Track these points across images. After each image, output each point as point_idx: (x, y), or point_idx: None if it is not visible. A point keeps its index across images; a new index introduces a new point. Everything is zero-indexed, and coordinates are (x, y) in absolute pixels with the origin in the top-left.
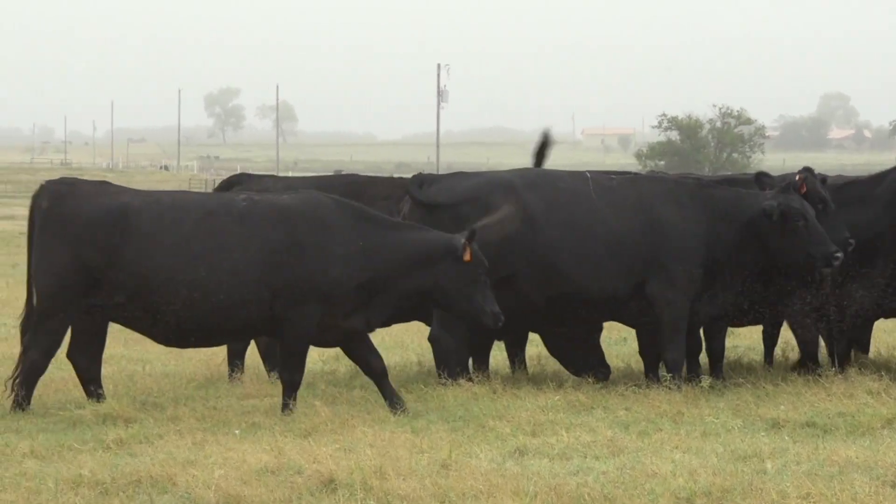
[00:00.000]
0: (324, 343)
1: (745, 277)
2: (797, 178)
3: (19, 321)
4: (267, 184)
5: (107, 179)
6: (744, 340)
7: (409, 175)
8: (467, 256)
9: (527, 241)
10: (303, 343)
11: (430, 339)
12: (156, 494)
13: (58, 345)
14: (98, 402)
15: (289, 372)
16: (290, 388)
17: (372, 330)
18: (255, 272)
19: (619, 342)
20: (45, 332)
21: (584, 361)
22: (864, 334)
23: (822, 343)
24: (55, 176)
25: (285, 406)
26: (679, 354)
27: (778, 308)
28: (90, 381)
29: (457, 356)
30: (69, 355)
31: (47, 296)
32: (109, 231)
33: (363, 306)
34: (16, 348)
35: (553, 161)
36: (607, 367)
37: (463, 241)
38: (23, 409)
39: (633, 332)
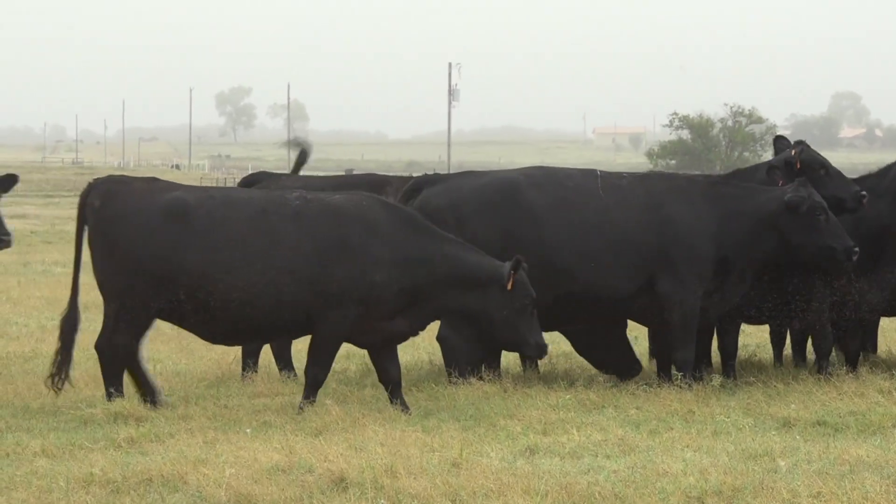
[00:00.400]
0: (366, 344)
1: (759, 275)
2: (792, 152)
3: (60, 317)
4: (286, 183)
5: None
6: (754, 339)
7: (421, 174)
8: (510, 285)
9: (532, 240)
10: (335, 343)
11: (438, 338)
12: (167, 493)
13: (136, 343)
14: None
15: (315, 369)
16: (313, 385)
17: (415, 334)
18: (306, 270)
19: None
20: (120, 331)
21: (616, 361)
22: (871, 332)
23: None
24: (67, 175)
25: (304, 403)
26: (689, 353)
27: (790, 306)
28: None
29: (466, 355)
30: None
31: (116, 295)
32: (166, 226)
33: (407, 310)
34: (27, 346)
35: (565, 160)
36: (639, 364)
37: (509, 269)
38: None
39: (643, 330)
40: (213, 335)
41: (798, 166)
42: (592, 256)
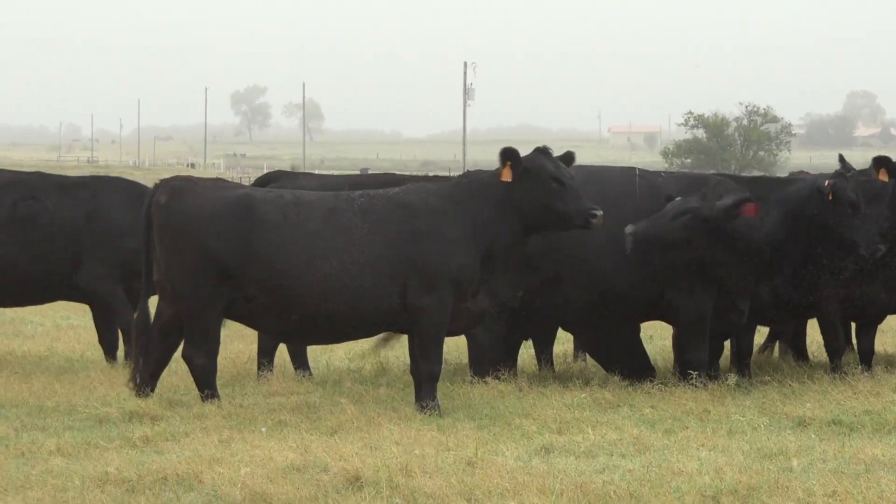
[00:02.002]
0: (457, 329)
1: (783, 272)
2: (826, 183)
3: (134, 318)
4: (302, 182)
5: (133, 178)
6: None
7: (436, 173)
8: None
9: (570, 243)
10: (439, 331)
11: (467, 334)
12: (182, 492)
13: (217, 342)
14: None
15: (427, 363)
16: (430, 380)
17: (498, 305)
18: (381, 265)
19: (644, 340)
20: (199, 333)
21: (630, 364)
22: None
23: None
24: (82, 174)
25: (422, 401)
26: (701, 354)
27: (804, 304)
28: (155, 373)
29: (490, 352)
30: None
31: (188, 295)
32: (237, 222)
33: (485, 284)
34: (42, 345)
35: (581, 159)
36: (652, 368)
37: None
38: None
39: (659, 330)
40: (286, 333)
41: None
42: (625, 257)
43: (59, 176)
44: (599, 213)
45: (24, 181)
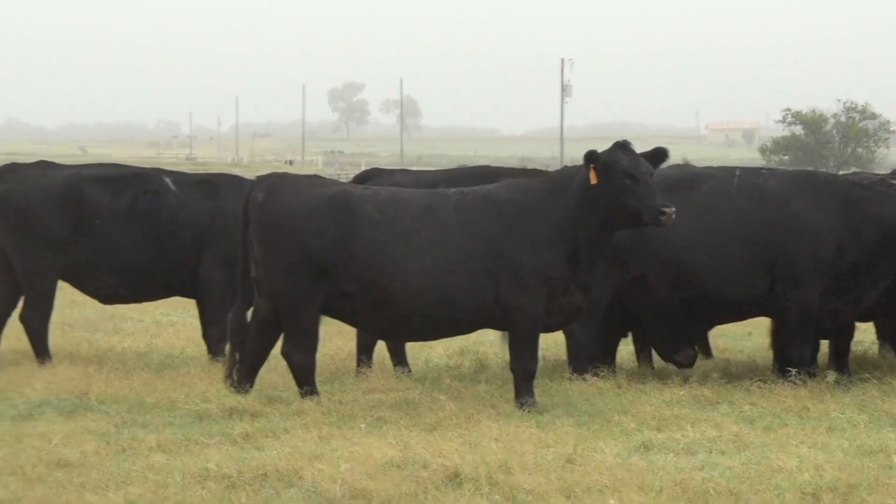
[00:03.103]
0: (552, 326)
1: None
2: None
3: (230, 315)
4: (398, 178)
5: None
6: (868, 335)
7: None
8: None
9: (659, 241)
10: (534, 329)
11: (565, 331)
12: (282, 488)
13: (316, 339)
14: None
15: (522, 361)
16: (525, 377)
17: (588, 303)
18: (475, 262)
19: (743, 337)
20: (298, 330)
21: (674, 345)
22: None
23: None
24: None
25: (520, 398)
26: (805, 350)
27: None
28: (253, 369)
29: (589, 349)
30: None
31: (285, 292)
32: (334, 218)
33: (575, 279)
34: (141, 342)
35: (678, 155)
36: (694, 351)
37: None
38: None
39: (757, 327)
40: (382, 329)
41: None
42: (724, 257)
43: (183, 172)
44: (670, 210)
45: (147, 176)
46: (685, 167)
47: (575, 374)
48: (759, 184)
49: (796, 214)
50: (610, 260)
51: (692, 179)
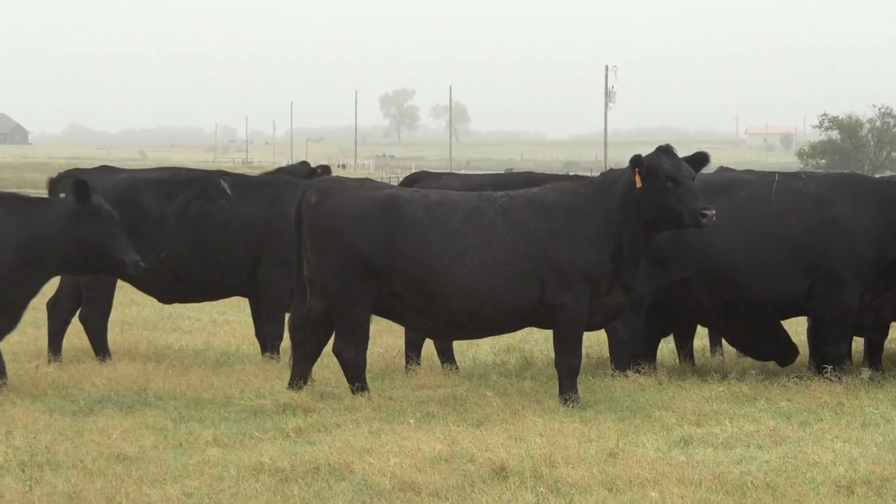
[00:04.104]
0: (595, 324)
1: None
2: None
3: (287, 319)
4: (445, 181)
5: None
6: None
7: (577, 173)
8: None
9: (700, 246)
10: (577, 327)
11: (607, 329)
12: (334, 481)
13: (366, 337)
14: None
15: (567, 358)
16: (570, 374)
17: (630, 298)
18: (521, 263)
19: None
20: (349, 328)
21: (768, 347)
22: None
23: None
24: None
25: (565, 394)
26: (842, 349)
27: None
28: (307, 365)
29: (631, 347)
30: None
31: (337, 291)
32: (383, 220)
33: (617, 279)
34: (199, 339)
35: (717, 160)
36: (795, 348)
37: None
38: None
39: (793, 325)
40: (430, 328)
41: None
42: (762, 262)
43: (242, 175)
44: (711, 212)
45: (206, 179)
46: (726, 172)
47: (617, 371)
48: (799, 187)
49: (836, 216)
50: (653, 262)
51: (733, 184)
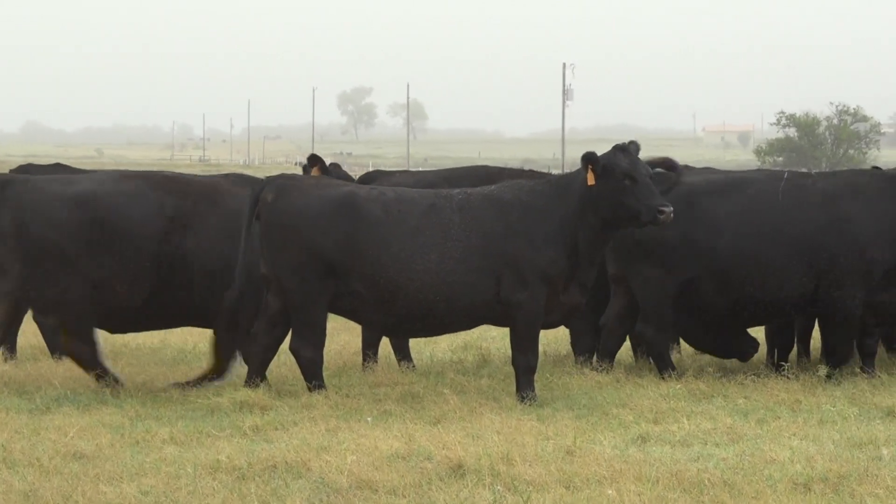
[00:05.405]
0: (550, 324)
1: None
2: None
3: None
4: (399, 179)
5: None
6: None
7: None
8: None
9: (707, 247)
10: (534, 325)
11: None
12: (291, 479)
13: (324, 335)
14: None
15: (524, 356)
16: (527, 372)
17: (587, 297)
18: (478, 260)
19: None
20: (306, 326)
21: (729, 343)
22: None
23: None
24: (194, 172)
25: (522, 392)
26: (847, 348)
27: None
28: (264, 362)
29: (589, 343)
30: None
31: (294, 289)
32: (341, 218)
33: (574, 278)
34: (155, 337)
35: (676, 157)
36: (755, 342)
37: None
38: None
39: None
40: (387, 325)
41: None
42: (769, 263)
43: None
44: (668, 209)
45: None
46: (732, 172)
47: (579, 359)
48: (807, 186)
49: (843, 216)
50: (661, 265)
51: (739, 183)
